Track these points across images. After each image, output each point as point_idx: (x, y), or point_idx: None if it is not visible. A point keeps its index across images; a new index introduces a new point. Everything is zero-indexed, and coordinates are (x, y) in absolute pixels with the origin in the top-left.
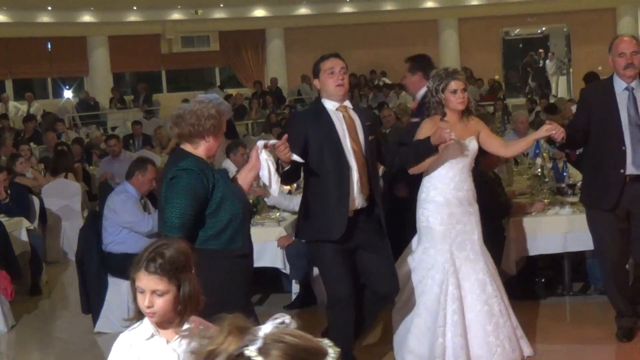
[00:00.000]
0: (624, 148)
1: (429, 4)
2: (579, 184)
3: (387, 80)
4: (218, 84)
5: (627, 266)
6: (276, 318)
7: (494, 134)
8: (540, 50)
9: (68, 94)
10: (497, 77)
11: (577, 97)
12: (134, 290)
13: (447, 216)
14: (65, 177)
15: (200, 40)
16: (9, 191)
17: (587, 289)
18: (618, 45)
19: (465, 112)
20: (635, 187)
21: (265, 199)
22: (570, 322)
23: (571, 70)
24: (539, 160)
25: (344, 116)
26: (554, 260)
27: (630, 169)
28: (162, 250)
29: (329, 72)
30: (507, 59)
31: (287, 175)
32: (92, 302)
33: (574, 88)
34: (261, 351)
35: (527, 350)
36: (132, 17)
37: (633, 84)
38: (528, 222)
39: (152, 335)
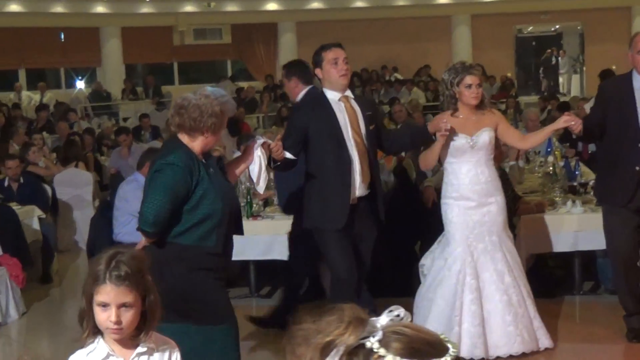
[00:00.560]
0: (639, 145)
1: (442, 0)
2: (591, 183)
3: (399, 76)
4: (229, 76)
5: (638, 263)
6: (391, 310)
7: (512, 127)
8: (554, 49)
9: (80, 84)
10: (509, 74)
11: (589, 95)
12: (89, 307)
13: (463, 209)
14: (76, 166)
15: (212, 33)
16: (21, 179)
17: (597, 289)
18: (637, 43)
19: (481, 106)
20: None
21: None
22: (579, 321)
23: (584, 68)
24: (551, 159)
25: (345, 107)
26: (564, 259)
27: None
28: (121, 258)
29: (333, 62)
30: (520, 57)
31: (280, 166)
32: None
33: (587, 87)
34: (382, 343)
35: (546, 342)
36: (145, 9)
37: None
38: (539, 220)
39: (108, 356)
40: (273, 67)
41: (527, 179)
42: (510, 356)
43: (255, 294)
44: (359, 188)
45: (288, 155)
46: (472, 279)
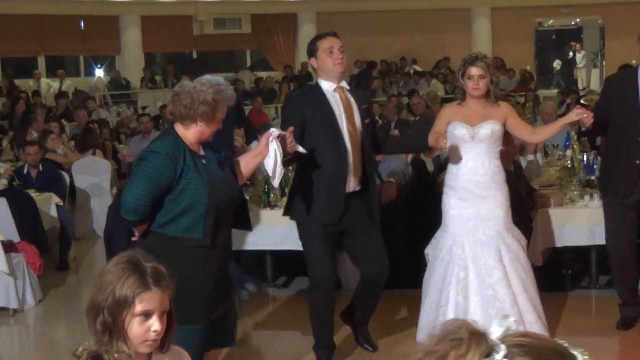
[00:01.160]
0: None
1: None
2: None
3: (418, 68)
4: (248, 66)
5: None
6: (502, 319)
7: (523, 121)
8: (573, 43)
9: (99, 72)
10: (529, 67)
11: None
12: (118, 324)
13: (459, 200)
14: (94, 154)
15: (232, 23)
16: (40, 166)
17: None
18: None
19: (489, 99)
20: None
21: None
22: (595, 315)
23: (604, 62)
24: (569, 152)
25: (340, 97)
26: (581, 253)
27: None
28: (150, 260)
29: (328, 51)
30: (540, 50)
31: (290, 160)
32: None
33: None
34: (507, 357)
35: None
36: None
37: None
38: (556, 214)
39: None
40: (292, 58)
41: (544, 173)
42: None
43: (271, 284)
44: (350, 182)
45: (300, 149)
46: (459, 271)
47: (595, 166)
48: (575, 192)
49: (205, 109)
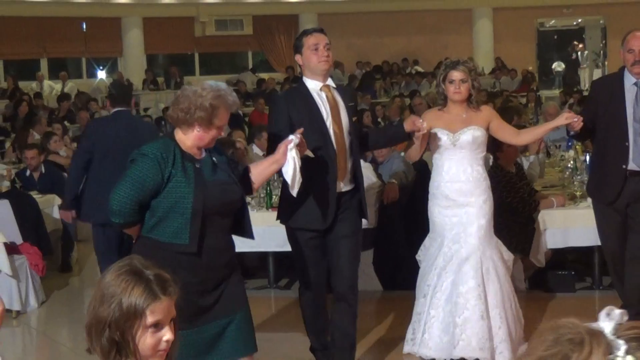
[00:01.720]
0: (627, 144)
1: None
2: None
3: (420, 69)
4: (250, 67)
5: None
6: (609, 313)
7: (506, 123)
8: (576, 43)
9: (102, 74)
10: (530, 68)
11: None
12: (131, 335)
13: (443, 208)
14: None
15: (233, 24)
16: (42, 168)
17: None
18: (629, 41)
19: (471, 104)
20: (636, 183)
21: None
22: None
23: (606, 63)
24: (571, 153)
25: (327, 97)
26: (583, 254)
27: (631, 165)
28: (147, 266)
29: (313, 48)
30: (542, 51)
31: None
32: None
33: None
34: (629, 353)
35: (506, 355)
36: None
37: None
38: (558, 215)
39: None
40: (294, 59)
41: (547, 173)
42: None
43: (273, 286)
44: (339, 185)
45: (308, 152)
46: (437, 279)
47: None
48: (577, 193)
49: (202, 114)
